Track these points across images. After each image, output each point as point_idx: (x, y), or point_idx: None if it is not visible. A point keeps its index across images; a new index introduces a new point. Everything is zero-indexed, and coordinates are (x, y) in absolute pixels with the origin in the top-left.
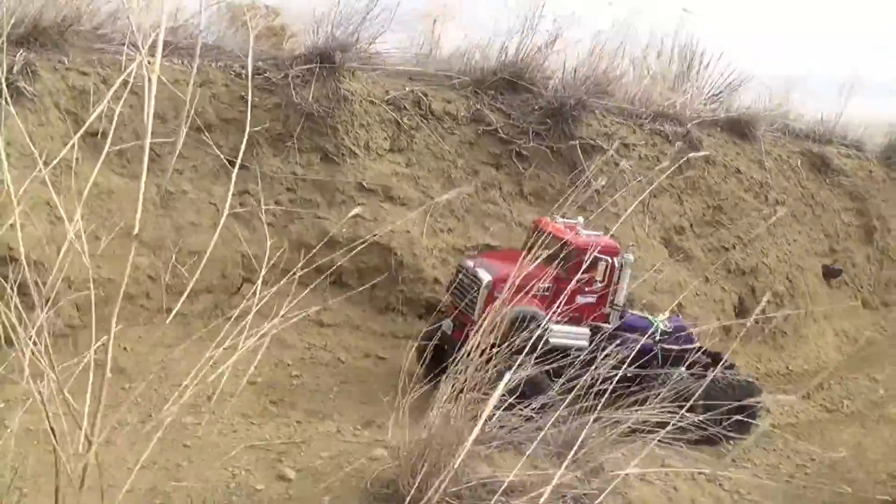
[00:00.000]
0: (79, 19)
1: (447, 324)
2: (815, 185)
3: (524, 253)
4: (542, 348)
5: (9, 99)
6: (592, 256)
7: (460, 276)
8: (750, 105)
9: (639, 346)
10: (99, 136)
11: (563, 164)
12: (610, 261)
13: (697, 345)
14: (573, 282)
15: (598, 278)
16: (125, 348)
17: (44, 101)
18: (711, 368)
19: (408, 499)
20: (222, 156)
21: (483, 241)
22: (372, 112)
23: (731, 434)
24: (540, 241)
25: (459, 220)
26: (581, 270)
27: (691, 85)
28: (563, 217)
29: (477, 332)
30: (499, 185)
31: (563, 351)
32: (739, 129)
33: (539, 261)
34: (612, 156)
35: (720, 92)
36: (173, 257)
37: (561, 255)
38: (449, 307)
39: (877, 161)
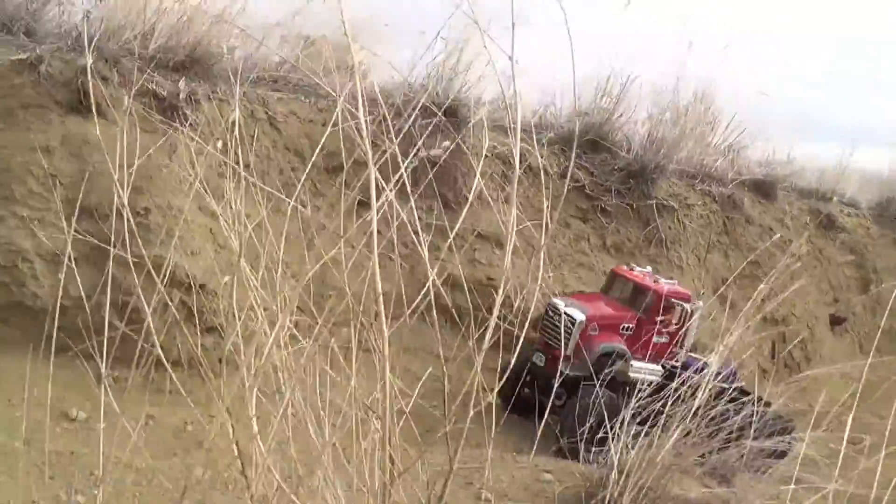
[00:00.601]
0: (223, 54)
1: (538, 356)
2: (822, 240)
3: (605, 297)
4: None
5: (179, 126)
6: (670, 302)
7: (550, 314)
8: (763, 162)
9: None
10: (247, 168)
11: (639, 220)
12: (684, 306)
13: (742, 384)
14: (656, 323)
15: (674, 321)
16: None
17: (204, 129)
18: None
19: None
20: (355, 196)
21: (577, 288)
22: (484, 164)
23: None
24: (620, 287)
25: (556, 267)
26: (660, 314)
27: (718, 143)
28: (635, 267)
29: (568, 362)
30: (587, 237)
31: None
32: (764, 189)
33: (623, 304)
34: (679, 214)
35: (734, 149)
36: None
37: (643, 300)
38: (539, 342)
39: (871, 217)
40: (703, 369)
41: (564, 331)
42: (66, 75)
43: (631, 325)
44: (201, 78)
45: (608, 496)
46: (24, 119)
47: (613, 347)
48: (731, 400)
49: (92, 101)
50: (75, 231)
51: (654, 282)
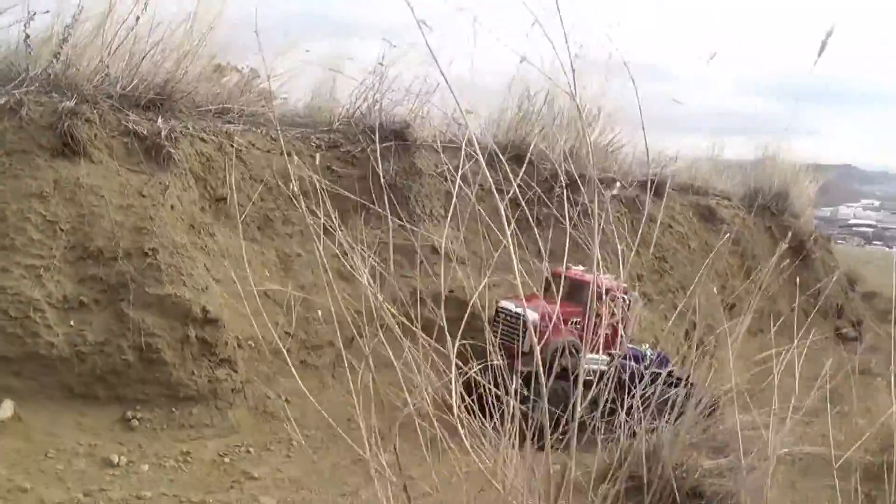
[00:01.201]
0: (193, 90)
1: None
2: (706, 232)
3: (547, 296)
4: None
5: (163, 164)
6: (612, 294)
7: (502, 317)
8: (649, 161)
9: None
10: (223, 202)
11: (563, 226)
12: (624, 298)
13: (672, 368)
14: (600, 316)
15: (616, 312)
16: (286, 399)
17: (183, 165)
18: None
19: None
20: (320, 223)
21: (527, 292)
22: (432, 184)
23: None
24: (562, 286)
25: (501, 275)
26: (604, 307)
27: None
28: (570, 266)
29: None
30: (525, 246)
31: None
32: (656, 188)
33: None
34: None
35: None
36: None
37: (585, 296)
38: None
39: (744, 207)
40: (642, 357)
41: (520, 330)
42: (48, 119)
43: (578, 320)
44: (170, 114)
45: (644, 473)
46: (11, 166)
47: (569, 340)
48: (668, 384)
49: (81, 144)
50: (90, 277)
51: (583, 273)
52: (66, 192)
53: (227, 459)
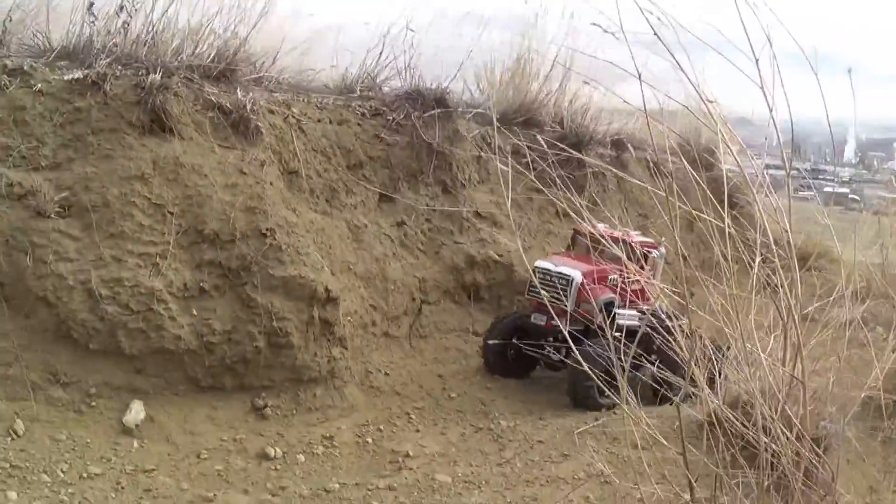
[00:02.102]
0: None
1: (537, 317)
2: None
3: (583, 255)
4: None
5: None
6: (645, 251)
7: (541, 276)
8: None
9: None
10: (295, 174)
11: (576, 187)
12: (654, 254)
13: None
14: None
15: (649, 268)
16: (385, 373)
17: (266, 139)
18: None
19: None
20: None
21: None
22: (468, 149)
23: None
24: (592, 244)
25: (533, 237)
26: (641, 265)
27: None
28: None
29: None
30: (546, 208)
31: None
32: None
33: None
34: (602, 179)
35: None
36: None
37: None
38: (532, 305)
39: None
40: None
41: (562, 289)
42: (132, 94)
43: (616, 277)
44: (238, 86)
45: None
46: (100, 146)
47: (611, 298)
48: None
49: (172, 120)
50: (207, 262)
51: (629, 235)
52: (168, 173)
53: (368, 440)
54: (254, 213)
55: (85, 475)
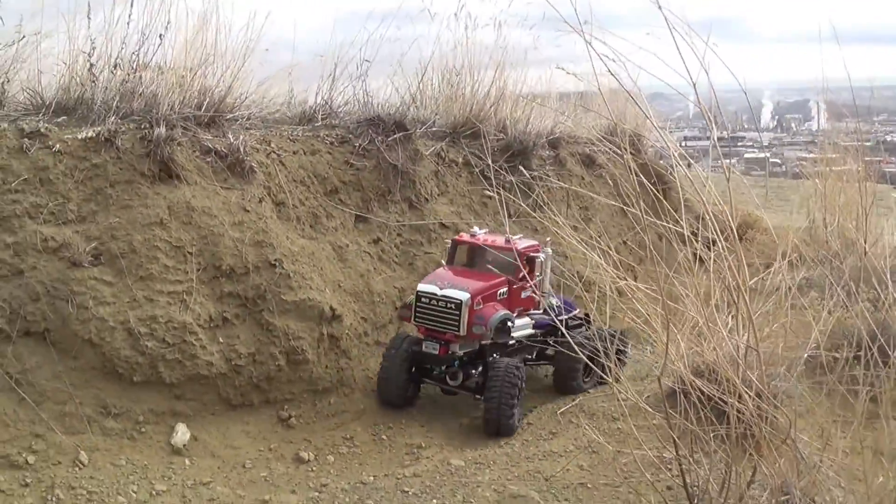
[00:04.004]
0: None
1: (431, 345)
2: (591, 178)
3: (464, 269)
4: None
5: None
6: (529, 256)
7: (424, 301)
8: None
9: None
10: (282, 206)
11: (521, 192)
12: (540, 257)
13: (578, 311)
14: (523, 280)
15: (537, 273)
16: None
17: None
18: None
19: None
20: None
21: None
22: (427, 166)
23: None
24: (471, 255)
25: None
26: (528, 270)
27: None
28: (475, 229)
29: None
30: (494, 212)
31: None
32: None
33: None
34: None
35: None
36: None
37: (506, 262)
38: (421, 329)
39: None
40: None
41: (451, 314)
42: (141, 146)
43: (505, 290)
44: (225, 129)
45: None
46: (118, 197)
47: (505, 315)
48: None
49: (179, 168)
50: (227, 294)
51: (506, 241)
52: (182, 216)
53: (383, 437)
54: (262, 246)
55: (154, 493)
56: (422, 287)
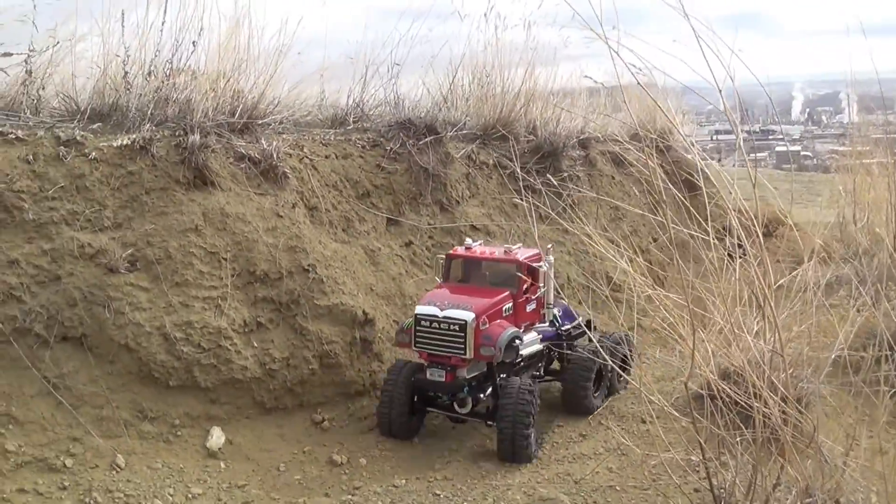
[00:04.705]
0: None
1: (436, 372)
2: (622, 177)
3: (465, 285)
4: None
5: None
6: (531, 267)
7: (425, 324)
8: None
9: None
10: (315, 210)
11: (553, 193)
12: (543, 267)
13: (580, 319)
14: (526, 293)
15: (541, 285)
16: None
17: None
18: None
19: None
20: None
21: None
22: (458, 168)
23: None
24: (469, 270)
25: (521, 240)
26: (531, 282)
27: None
28: (470, 242)
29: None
30: (525, 214)
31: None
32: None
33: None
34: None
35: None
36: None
37: (509, 276)
38: (423, 357)
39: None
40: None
41: (455, 336)
42: (175, 154)
43: (510, 306)
44: (259, 135)
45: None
46: (154, 204)
47: (514, 333)
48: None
49: (213, 174)
50: (261, 299)
51: (505, 253)
52: (217, 223)
53: (415, 440)
54: (295, 251)
55: (190, 496)
56: (420, 309)
